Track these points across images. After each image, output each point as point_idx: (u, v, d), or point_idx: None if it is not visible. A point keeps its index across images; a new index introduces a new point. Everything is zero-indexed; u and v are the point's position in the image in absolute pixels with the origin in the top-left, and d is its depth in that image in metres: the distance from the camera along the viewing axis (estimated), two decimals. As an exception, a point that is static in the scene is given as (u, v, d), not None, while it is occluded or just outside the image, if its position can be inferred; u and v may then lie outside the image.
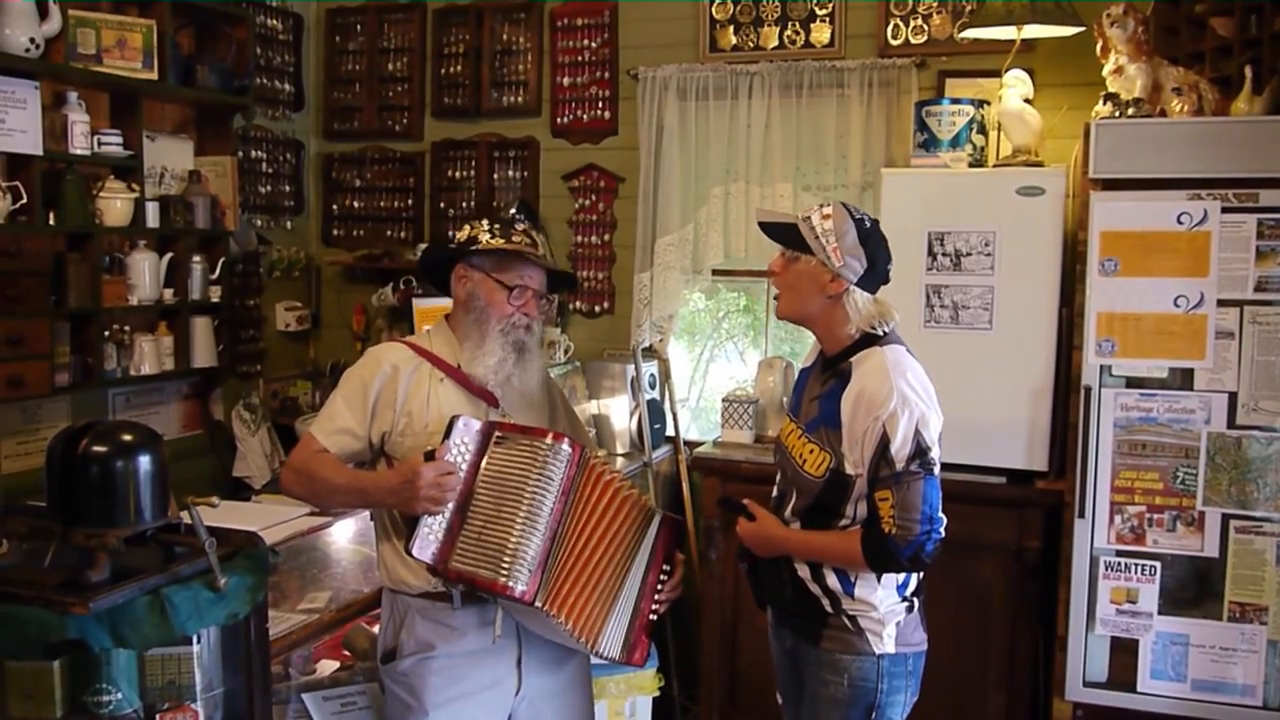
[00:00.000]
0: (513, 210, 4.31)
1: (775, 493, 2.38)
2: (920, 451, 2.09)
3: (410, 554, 2.09)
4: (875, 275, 2.20)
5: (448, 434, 2.12)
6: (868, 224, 2.20)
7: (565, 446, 2.15)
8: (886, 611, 2.21)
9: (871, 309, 2.20)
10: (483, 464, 2.14)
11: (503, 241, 2.27)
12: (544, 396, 2.44)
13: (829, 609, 2.22)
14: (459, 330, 2.32)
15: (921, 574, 2.26)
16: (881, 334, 2.21)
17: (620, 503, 2.23)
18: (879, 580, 2.20)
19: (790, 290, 2.24)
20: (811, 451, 2.21)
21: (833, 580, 2.21)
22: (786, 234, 2.22)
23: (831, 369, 2.25)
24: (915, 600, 2.27)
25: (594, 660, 2.45)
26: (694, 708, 4.00)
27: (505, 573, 2.06)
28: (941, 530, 2.13)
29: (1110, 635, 3.06)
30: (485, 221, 2.33)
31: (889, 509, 2.09)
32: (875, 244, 2.19)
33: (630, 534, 2.25)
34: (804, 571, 2.24)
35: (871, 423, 2.10)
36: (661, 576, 2.29)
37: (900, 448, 2.08)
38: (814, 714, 2.28)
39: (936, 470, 2.13)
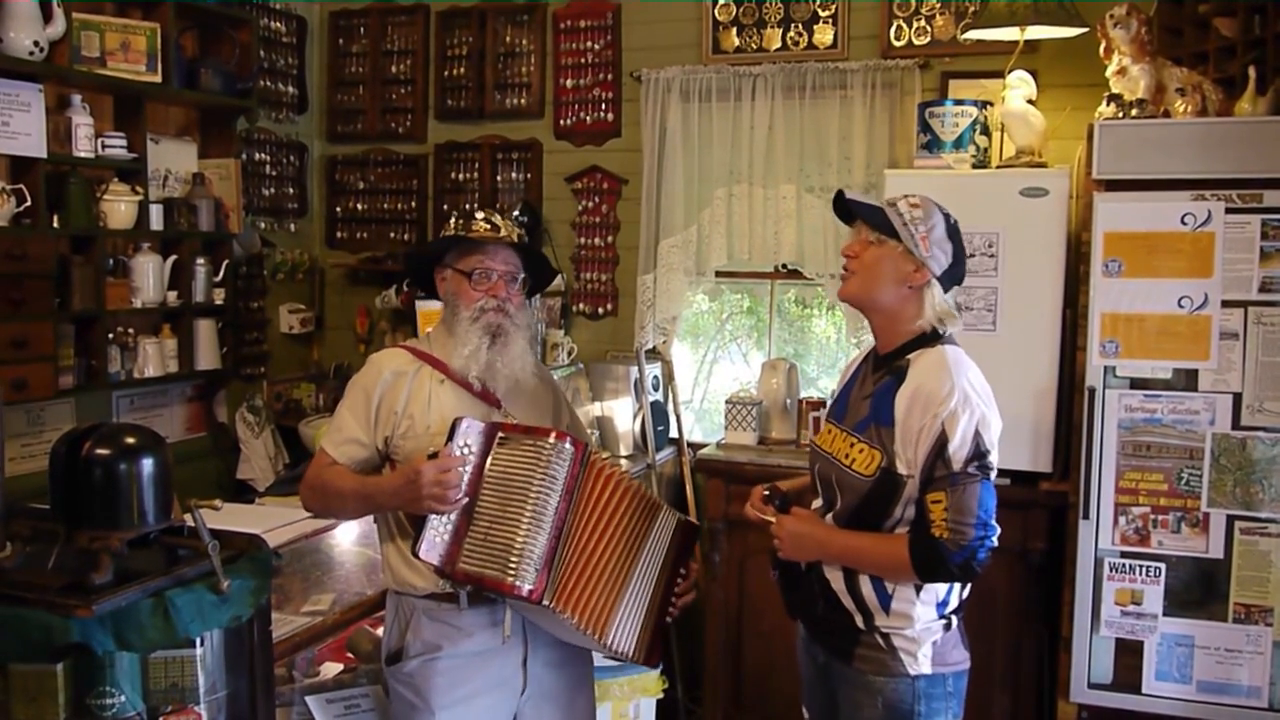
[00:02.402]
0: (515, 211, 4.32)
1: (817, 504, 2.24)
2: (979, 454, 2.00)
3: (417, 556, 2.09)
4: (955, 272, 2.14)
5: (451, 435, 2.12)
6: (953, 219, 2.14)
7: (568, 445, 2.15)
8: (922, 630, 2.09)
9: (944, 306, 2.13)
10: (487, 465, 2.14)
11: (460, 231, 2.28)
12: (549, 396, 2.45)
13: (861, 625, 2.11)
14: (447, 329, 2.34)
15: (965, 590, 2.16)
16: (942, 334, 2.14)
17: (623, 494, 2.23)
18: (918, 594, 2.09)
19: (866, 272, 2.12)
20: (861, 451, 2.11)
21: (869, 592, 2.10)
22: (873, 215, 2.13)
23: (885, 366, 2.15)
24: (954, 618, 2.15)
25: (605, 660, 2.46)
26: (698, 710, 4.00)
27: (513, 572, 2.06)
28: (995, 538, 2.02)
29: (1115, 637, 3.06)
30: (453, 218, 2.34)
31: (941, 512, 1.99)
32: (959, 240, 2.14)
33: (634, 524, 2.24)
34: (838, 583, 2.13)
35: (929, 420, 2.01)
36: (677, 580, 2.30)
37: (959, 448, 1.99)
38: None
39: (993, 475, 2.04)
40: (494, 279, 2.28)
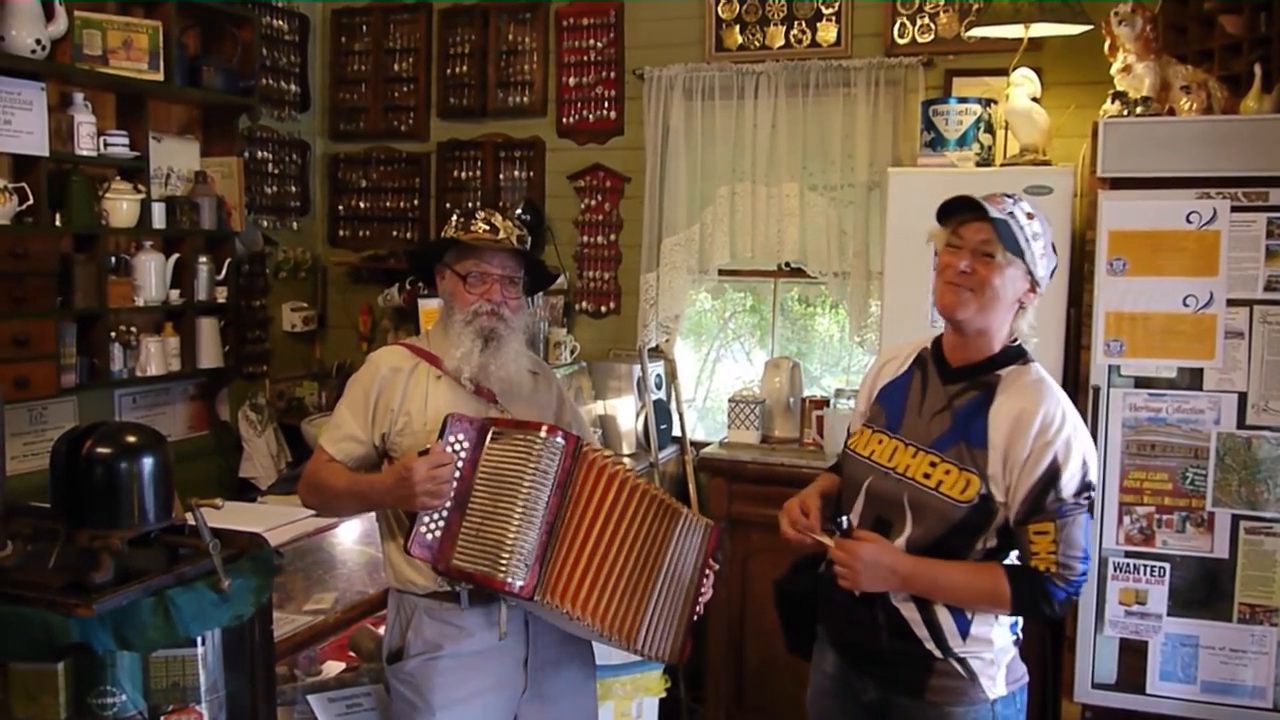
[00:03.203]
0: (517, 210, 4.31)
1: (866, 520, 2.05)
2: (1086, 485, 1.92)
3: (409, 552, 2.09)
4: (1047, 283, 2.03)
5: (442, 432, 2.11)
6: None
7: (559, 439, 2.13)
8: (1000, 650, 2.00)
9: (1033, 320, 2.02)
10: (480, 460, 2.13)
11: (460, 233, 2.27)
12: (549, 393, 2.44)
13: (936, 652, 1.97)
14: (443, 327, 2.34)
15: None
16: (1028, 350, 2.03)
17: (629, 493, 2.20)
18: (996, 617, 1.98)
19: (991, 294, 1.95)
20: (948, 473, 1.94)
21: (945, 620, 1.96)
22: (1006, 233, 1.93)
23: (966, 379, 2.01)
24: (1020, 634, 2.07)
25: (606, 659, 2.45)
26: (700, 709, 3.99)
27: (503, 568, 2.05)
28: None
29: (1119, 636, 3.05)
30: (454, 217, 2.33)
31: (1049, 544, 1.88)
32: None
33: (647, 524, 2.21)
34: (910, 612, 1.97)
35: (1038, 448, 1.89)
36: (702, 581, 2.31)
37: (1070, 479, 1.89)
38: None
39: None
40: (489, 282, 2.27)
